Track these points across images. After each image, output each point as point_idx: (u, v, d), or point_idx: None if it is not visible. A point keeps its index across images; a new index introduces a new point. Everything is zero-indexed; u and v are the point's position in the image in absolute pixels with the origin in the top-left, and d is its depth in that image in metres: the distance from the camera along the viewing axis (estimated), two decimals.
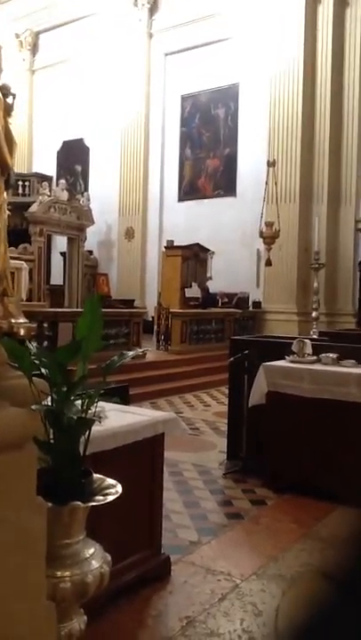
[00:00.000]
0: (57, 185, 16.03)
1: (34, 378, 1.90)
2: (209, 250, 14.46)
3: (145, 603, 3.02)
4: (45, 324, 9.14)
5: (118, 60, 17.34)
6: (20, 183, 17.16)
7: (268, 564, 3.46)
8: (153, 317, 13.39)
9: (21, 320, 2.45)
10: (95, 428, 2.36)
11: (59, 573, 1.88)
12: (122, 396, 4.12)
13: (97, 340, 2.00)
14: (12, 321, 2.51)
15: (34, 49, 20.04)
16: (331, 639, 1.06)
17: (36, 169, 18.79)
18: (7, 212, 2.57)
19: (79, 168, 18.84)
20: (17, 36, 19.83)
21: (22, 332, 2.43)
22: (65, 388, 1.92)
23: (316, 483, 4.59)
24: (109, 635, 2.71)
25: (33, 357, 1.95)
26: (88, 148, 18.62)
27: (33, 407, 1.78)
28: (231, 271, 14.82)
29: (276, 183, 12.99)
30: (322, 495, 4.48)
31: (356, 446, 4.48)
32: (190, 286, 13.82)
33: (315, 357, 4.97)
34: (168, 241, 14.96)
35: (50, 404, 1.92)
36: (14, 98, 2.61)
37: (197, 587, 3.19)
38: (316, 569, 3.41)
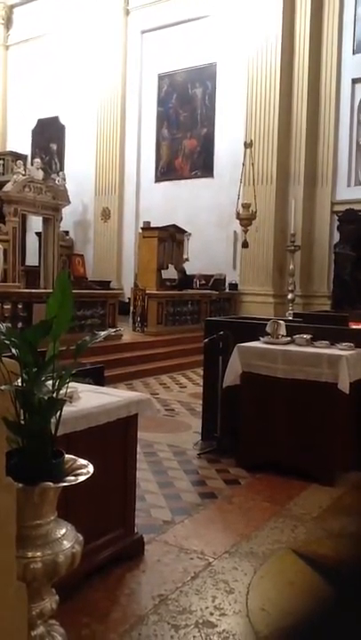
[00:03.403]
0: (32, 164, 15.75)
1: (4, 358, 1.88)
2: (186, 231, 14.41)
3: (118, 581, 3.04)
4: (20, 305, 9.06)
5: (94, 36, 17.04)
6: None
7: (241, 542, 3.51)
8: (129, 299, 13.33)
9: None
10: (67, 408, 2.35)
11: (29, 554, 1.88)
12: (97, 377, 4.11)
13: (68, 319, 1.98)
14: None
15: (8, 23, 19.57)
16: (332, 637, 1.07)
17: (11, 147, 18.47)
18: None
19: (54, 147, 18.56)
20: None
21: None
22: (35, 369, 1.90)
23: (289, 462, 4.65)
24: (82, 613, 2.73)
25: (3, 337, 1.92)
26: (63, 127, 18.34)
27: (2, 387, 1.76)
28: (208, 253, 14.81)
29: (252, 164, 12.96)
30: (294, 474, 4.55)
31: (327, 425, 4.54)
32: (167, 268, 13.78)
33: (289, 338, 5.01)
34: (144, 222, 14.86)
35: (20, 384, 1.90)
36: None
37: (170, 565, 3.22)
38: (288, 547, 3.46)
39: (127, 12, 16.79)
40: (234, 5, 14.51)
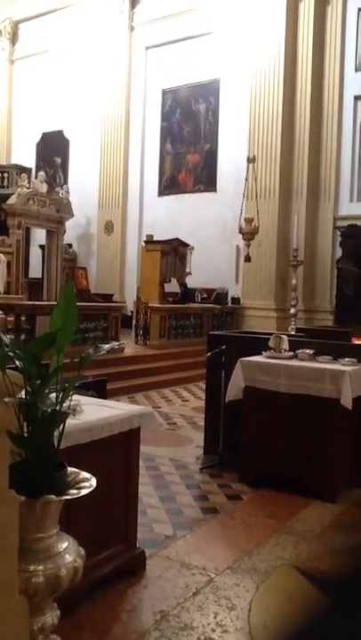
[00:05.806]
0: (36, 177, 15.87)
1: (8, 370, 1.88)
2: (188, 245, 14.45)
3: (119, 597, 3.01)
4: (23, 317, 9.07)
5: (99, 52, 17.20)
6: None
7: (243, 558, 3.48)
8: (132, 312, 13.34)
9: None
10: (70, 421, 2.35)
11: (31, 567, 1.87)
12: (100, 390, 4.11)
13: (72, 331, 1.99)
14: None
15: (13, 38, 19.77)
16: None
17: (15, 160, 18.58)
18: None
19: (59, 160, 18.68)
20: None
21: None
22: (39, 381, 1.90)
23: (291, 478, 4.62)
24: (84, 629, 2.70)
25: (7, 349, 1.93)
26: (68, 140, 18.47)
27: (6, 400, 1.76)
28: (210, 267, 14.84)
29: (255, 179, 13.01)
30: (297, 490, 4.52)
31: (330, 441, 4.52)
32: (169, 281, 13.80)
33: (291, 353, 5.00)
34: (148, 235, 14.91)
35: (24, 396, 1.90)
36: None
37: (172, 581, 3.19)
38: (290, 563, 3.43)
39: (132, 29, 16.97)
40: (237, 22, 14.65)
